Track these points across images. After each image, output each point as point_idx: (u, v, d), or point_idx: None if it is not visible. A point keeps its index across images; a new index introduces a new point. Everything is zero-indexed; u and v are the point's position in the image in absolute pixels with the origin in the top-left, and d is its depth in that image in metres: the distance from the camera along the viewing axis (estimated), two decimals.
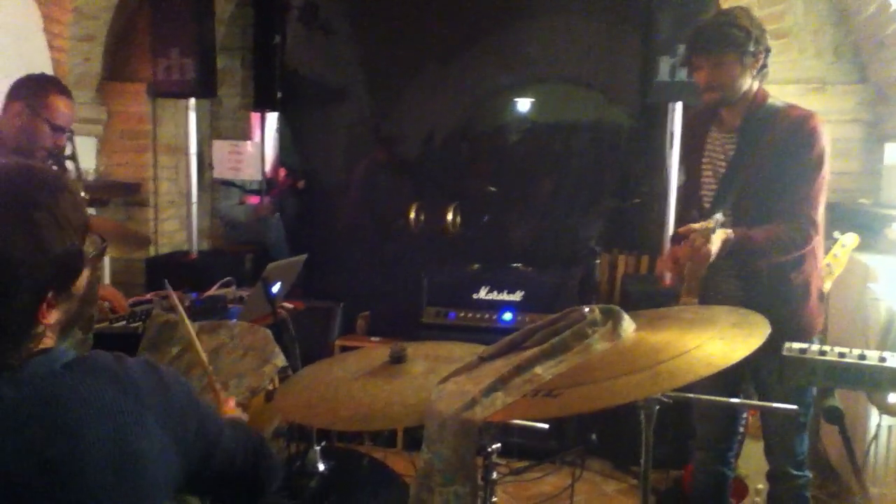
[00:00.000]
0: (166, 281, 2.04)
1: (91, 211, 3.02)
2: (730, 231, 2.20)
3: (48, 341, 1.12)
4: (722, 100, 2.34)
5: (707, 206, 2.43)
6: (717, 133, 2.45)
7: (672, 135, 3.85)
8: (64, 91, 2.63)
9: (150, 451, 1.07)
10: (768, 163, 2.30)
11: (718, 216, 2.15)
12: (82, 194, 2.63)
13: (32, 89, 2.54)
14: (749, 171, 2.33)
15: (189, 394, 1.20)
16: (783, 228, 2.26)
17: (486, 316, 3.98)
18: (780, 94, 2.50)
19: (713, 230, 2.11)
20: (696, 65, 2.33)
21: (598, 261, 4.47)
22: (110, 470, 1.02)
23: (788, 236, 2.26)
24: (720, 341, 1.40)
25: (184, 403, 1.17)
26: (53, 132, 2.56)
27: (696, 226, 2.13)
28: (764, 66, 2.34)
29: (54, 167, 2.73)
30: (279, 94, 4.90)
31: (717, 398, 2.07)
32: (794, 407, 2.02)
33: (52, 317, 1.09)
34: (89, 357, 1.12)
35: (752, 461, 2.95)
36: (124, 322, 2.54)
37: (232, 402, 1.64)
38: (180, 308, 1.78)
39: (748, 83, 2.32)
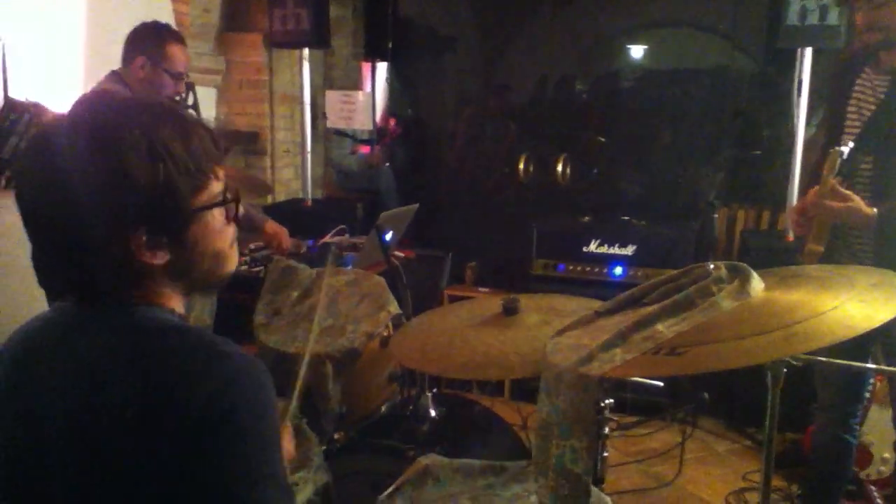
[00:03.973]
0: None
1: None
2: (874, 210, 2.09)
3: (169, 300, 1.06)
4: (883, 41, 2.20)
5: None
6: (872, 74, 2.31)
7: (801, 82, 3.64)
8: (179, 38, 2.78)
9: (142, 450, 0.94)
10: None
11: (845, 147, 2.08)
12: None
13: (151, 41, 2.67)
14: None
15: (253, 442, 0.97)
16: None
17: (597, 269, 3.92)
18: None
19: (841, 154, 2.05)
20: (855, 5, 2.21)
21: (716, 215, 4.31)
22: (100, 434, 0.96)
23: None
24: (859, 303, 1.31)
25: (234, 444, 0.95)
26: (174, 80, 2.70)
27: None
28: None
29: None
30: (390, 44, 4.90)
31: (850, 362, 1.97)
32: None
33: (158, 258, 1.01)
34: (172, 329, 1.03)
35: (877, 428, 2.83)
36: (246, 266, 2.64)
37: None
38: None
39: None
